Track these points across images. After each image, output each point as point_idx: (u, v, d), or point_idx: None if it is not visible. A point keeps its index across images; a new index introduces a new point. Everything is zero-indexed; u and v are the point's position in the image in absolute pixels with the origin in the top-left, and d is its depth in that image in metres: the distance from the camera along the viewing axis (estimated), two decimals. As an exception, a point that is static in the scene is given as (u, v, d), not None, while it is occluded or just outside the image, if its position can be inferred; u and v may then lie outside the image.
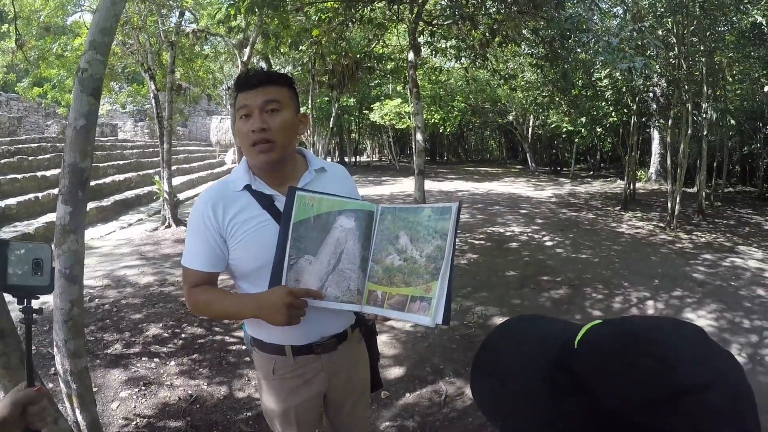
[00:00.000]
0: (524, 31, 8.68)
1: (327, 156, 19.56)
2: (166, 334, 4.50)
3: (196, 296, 1.55)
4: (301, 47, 9.70)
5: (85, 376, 2.33)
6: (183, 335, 4.49)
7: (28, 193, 9.56)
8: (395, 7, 8.23)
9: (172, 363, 3.97)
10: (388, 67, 15.05)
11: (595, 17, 7.77)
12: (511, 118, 24.62)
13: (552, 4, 6.78)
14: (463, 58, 9.61)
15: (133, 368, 3.87)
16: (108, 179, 12.67)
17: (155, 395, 3.49)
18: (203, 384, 3.64)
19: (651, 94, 13.68)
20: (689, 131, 10.64)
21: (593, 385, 0.52)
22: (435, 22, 8.85)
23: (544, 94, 17.21)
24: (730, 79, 13.54)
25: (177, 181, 12.94)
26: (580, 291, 5.99)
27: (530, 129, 26.06)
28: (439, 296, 1.30)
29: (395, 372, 3.88)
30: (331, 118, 16.14)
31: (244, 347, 4.07)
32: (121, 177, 13.36)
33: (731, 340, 4.62)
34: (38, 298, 1.16)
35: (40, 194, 9.53)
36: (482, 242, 8.58)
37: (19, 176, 10.00)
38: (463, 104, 24.48)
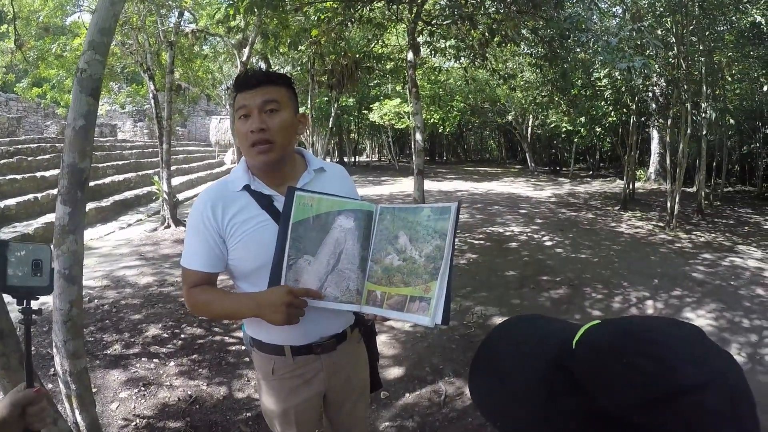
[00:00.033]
0: (523, 31, 8.67)
1: (326, 156, 19.56)
2: (165, 335, 4.50)
3: (196, 296, 1.55)
4: (300, 47, 9.69)
5: (85, 376, 2.33)
6: (182, 336, 4.49)
7: (27, 193, 9.55)
8: (394, 6, 8.23)
9: (172, 363, 3.97)
10: (388, 67, 15.03)
11: (595, 17, 7.77)
12: (510, 117, 24.60)
13: (551, 3, 6.77)
14: (462, 58, 9.61)
15: (133, 369, 3.87)
16: (107, 179, 12.66)
17: (155, 396, 3.49)
18: (203, 384, 3.64)
19: (650, 94, 13.70)
20: (688, 131, 10.64)
21: (591, 385, 0.52)
22: (434, 21, 8.85)
23: (543, 93, 17.22)
24: (730, 79, 13.55)
25: (176, 181, 12.94)
26: (580, 291, 5.99)
27: (529, 129, 26.05)
28: (438, 296, 1.30)
29: (395, 372, 3.88)
30: (331, 118, 16.13)
31: (243, 348, 4.07)
32: (121, 177, 13.36)
33: (731, 339, 4.62)
34: (38, 298, 1.16)
35: (39, 195, 9.53)
36: (482, 242, 8.59)
37: (18, 177, 9.99)
38: (462, 104, 24.47)
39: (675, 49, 10.22)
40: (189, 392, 3.53)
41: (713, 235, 9.62)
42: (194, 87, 16.80)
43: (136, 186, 13.62)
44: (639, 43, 8.05)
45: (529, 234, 9.37)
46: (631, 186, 14.10)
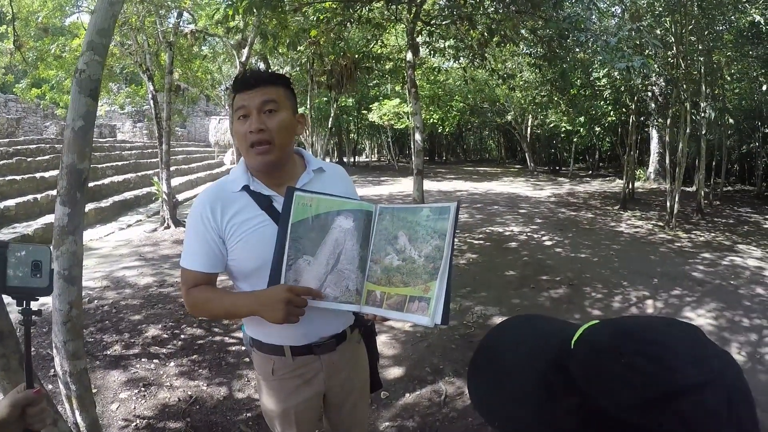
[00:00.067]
0: (522, 31, 8.68)
1: (326, 156, 19.55)
2: (165, 335, 4.50)
3: (195, 295, 1.55)
4: (299, 47, 9.71)
5: (85, 377, 2.33)
6: (182, 336, 4.49)
7: (26, 194, 9.55)
8: (393, 7, 8.23)
9: (172, 364, 3.97)
10: (387, 67, 15.01)
11: (594, 17, 7.78)
12: (509, 117, 24.59)
13: (550, 3, 6.78)
14: (461, 58, 9.62)
15: (133, 369, 3.87)
16: (107, 180, 12.66)
17: (155, 396, 3.49)
18: (203, 385, 3.64)
19: (649, 94, 13.72)
20: (688, 130, 10.65)
21: (589, 385, 0.52)
22: (433, 21, 8.85)
23: (542, 93, 17.22)
24: (729, 78, 13.56)
25: (176, 181, 12.93)
26: (580, 290, 6.00)
27: (529, 129, 26.05)
28: (437, 296, 1.30)
29: (395, 372, 3.88)
30: (330, 119, 16.14)
31: (243, 348, 4.06)
32: (120, 178, 13.36)
33: (731, 338, 4.62)
34: (37, 299, 1.16)
35: (38, 195, 9.53)
36: (481, 242, 8.59)
37: (17, 177, 9.99)
38: (461, 104, 24.47)
39: (674, 48, 10.23)
40: (189, 393, 3.53)
41: (713, 234, 9.62)
42: (193, 87, 16.82)
43: (136, 187, 13.61)
44: (638, 42, 8.05)
45: (528, 234, 9.37)
46: (630, 185, 14.10)
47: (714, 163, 15.17)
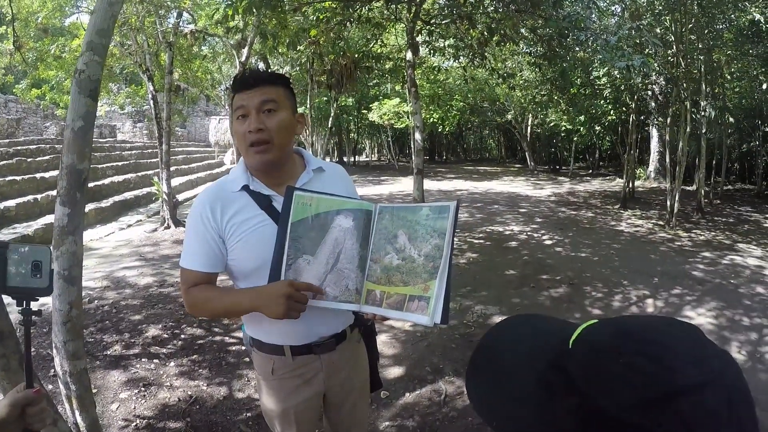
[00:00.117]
0: (522, 30, 8.68)
1: (326, 156, 19.54)
2: (165, 335, 4.50)
3: (195, 295, 1.54)
4: (299, 47, 9.71)
5: (85, 377, 2.33)
6: (182, 336, 4.49)
7: (26, 194, 9.55)
8: (393, 6, 8.23)
9: (172, 364, 3.97)
10: (387, 66, 14.99)
11: (593, 15, 7.78)
12: (509, 117, 24.60)
13: (550, 2, 6.77)
14: (461, 57, 9.62)
15: (133, 369, 3.87)
16: (107, 180, 12.66)
17: (155, 396, 3.49)
18: (203, 385, 3.64)
19: (649, 93, 13.71)
20: (688, 129, 10.65)
21: (587, 385, 0.51)
22: (433, 21, 8.85)
23: (542, 92, 17.22)
24: (729, 77, 13.56)
25: (176, 181, 12.94)
26: (580, 290, 5.99)
27: (529, 128, 26.06)
28: (437, 295, 1.29)
29: (395, 372, 3.88)
30: (330, 118, 16.14)
31: (243, 348, 4.06)
32: (120, 178, 13.36)
33: (731, 337, 4.62)
34: (37, 300, 1.16)
35: (38, 196, 9.53)
36: (481, 241, 8.59)
37: (17, 178, 9.99)
38: (461, 103, 24.46)
39: (674, 47, 10.23)
40: (189, 392, 3.53)
41: (713, 233, 9.62)
42: (193, 87, 16.81)
43: (136, 187, 13.61)
44: (638, 41, 8.05)
45: (528, 233, 9.37)
46: (630, 184, 14.10)
47: (714, 162, 15.17)
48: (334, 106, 15.99)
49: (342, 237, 1.47)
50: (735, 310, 5.34)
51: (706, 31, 10.34)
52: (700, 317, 5.14)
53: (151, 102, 9.95)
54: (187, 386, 3.62)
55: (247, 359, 3.92)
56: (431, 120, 23.88)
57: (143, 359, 4.04)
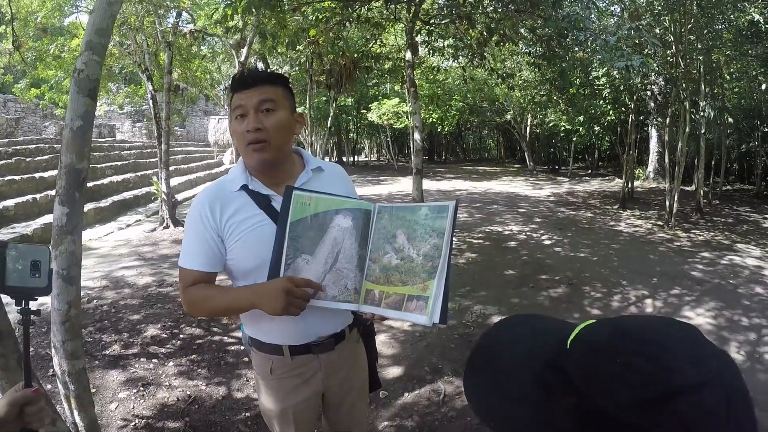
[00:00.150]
0: (522, 30, 8.68)
1: (325, 156, 19.53)
2: (164, 335, 4.50)
3: (193, 294, 1.53)
4: (298, 47, 9.71)
5: (83, 377, 2.33)
6: (181, 336, 4.49)
7: (25, 194, 9.55)
8: (392, 6, 8.23)
9: (171, 364, 3.96)
10: (386, 66, 15.00)
11: (593, 16, 7.78)
12: (509, 117, 24.60)
13: (549, 2, 6.78)
14: (460, 57, 9.62)
15: (132, 369, 3.87)
16: (106, 180, 12.66)
17: (154, 396, 3.48)
18: (202, 384, 3.64)
19: (649, 93, 13.71)
20: (687, 129, 10.65)
21: (585, 385, 0.51)
22: (432, 21, 8.85)
23: (541, 92, 17.23)
24: (728, 77, 13.56)
25: (175, 181, 12.93)
26: (579, 290, 6.00)
27: (528, 128, 26.06)
28: (436, 295, 1.29)
29: (394, 371, 3.88)
30: (329, 118, 16.15)
31: (242, 347, 4.06)
32: (119, 178, 13.36)
33: (730, 338, 4.62)
34: (36, 299, 1.16)
35: (37, 195, 9.52)
36: (480, 241, 8.59)
37: (17, 177, 9.99)
38: (460, 103, 24.47)
39: (673, 47, 10.23)
40: (188, 392, 3.53)
41: (712, 233, 9.63)
42: (192, 87, 16.81)
43: (135, 186, 13.61)
44: (637, 41, 8.05)
45: (527, 233, 9.37)
46: (629, 185, 14.11)
47: (713, 162, 15.18)
48: (334, 105, 16.00)
49: (341, 237, 1.47)
50: (734, 310, 5.34)
51: (705, 32, 10.34)
52: (699, 317, 5.14)
53: (150, 102, 9.94)
54: (185, 386, 3.62)
55: (246, 359, 3.92)
56: (430, 120, 23.87)
57: (142, 359, 4.04)
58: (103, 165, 13.77)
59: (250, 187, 1.55)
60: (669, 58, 10.69)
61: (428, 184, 16.46)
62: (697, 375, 0.48)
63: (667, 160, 12.79)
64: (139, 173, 14.49)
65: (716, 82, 12.46)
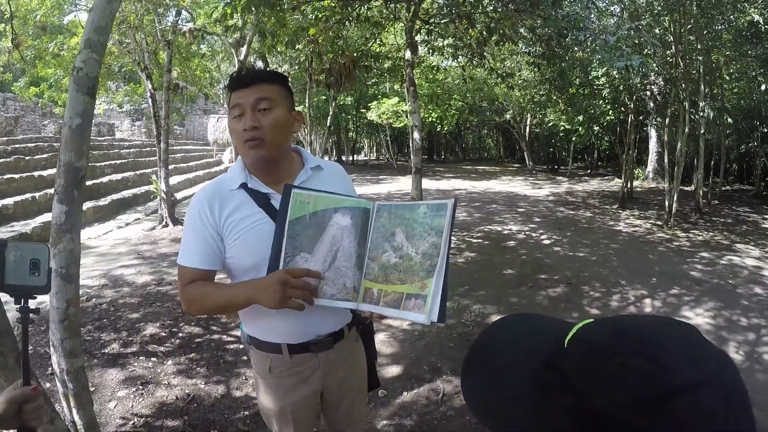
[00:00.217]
0: (521, 30, 8.68)
1: (324, 155, 19.51)
2: (163, 334, 4.50)
3: (192, 291, 1.53)
4: (297, 46, 9.69)
5: (82, 375, 2.33)
6: (180, 334, 4.49)
7: (25, 192, 9.54)
8: (392, 5, 8.22)
9: (170, 362, 3.96)
10: (386, 65, 14.98)
11: (592, 15, 7.77)
12: (508, 116, 24.59)
13: (549, 2, 6.78)
14: (460, 57, 9.61)
15: (131, 368, 3.87)
16: (105, 179, 12.65)
17: (152, 394, 3.48)
18: (200, 383, 3.64)
19: (648, 93, 13.71)
20: (686, 129, 10.65)
21: (583, 385, 0.51)
22: (432, 20, 8.85)
23: (541, 92, 17.23)
24: (728, 78, 13.55)
25: (174, 180, 12.93)
26: (578, 289, 6.00)
27: (527, 127, 26.06)
28: (434, 293, 1.29)
29: (393, 370, 3.88)
30: (329, 117, 16.12)
31: (241, 346, 4.07)
32: (119, 176, 13.34)
33: (729, 338, 4.62)
34: (35, 298, 1.16)
35: (37, 194, 9.52)
36: (480, 241, 8.59)
37: (16, 176, 9.98)
38: (460, 103, 24.45)
39: (673, 47, 10.23)
40: (187, 391, 3.53)
41: (711, 233, 9.63)
42: (192, 86, 16.78)
43: (134, 185, 13.60)
44: (637, 41, 8.05)
45: (527, 233, 9.38)
46: (629, 185, 14.12)
47: (712, 163, 15.19)
48: (333, 105, 15.98)
49: (340, 235, 1.47)
50: (733, 310, 5.35)
51: (705, 32, 10.34)
52: (698, 317, 5.14)
53: (150, 100, 9.93)
54: (184, 384, 3.62)
55: (245, 357, 3.92)
56: (430, 119, 23.85)
57: (141, 357, 4.04)
58: (102, 163, 13.75)
59: (249, 185, 1.55)
60: (668, 58, 10.68)
61: (427, 184, 16.47)
62: (695, 375, 0.48)
63: (666, 160, 12.78)
64: (138, 172, 14.48)
65: (716, 83, 12.46)
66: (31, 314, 1.15)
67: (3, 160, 10.61)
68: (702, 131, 11.47)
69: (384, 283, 1.40)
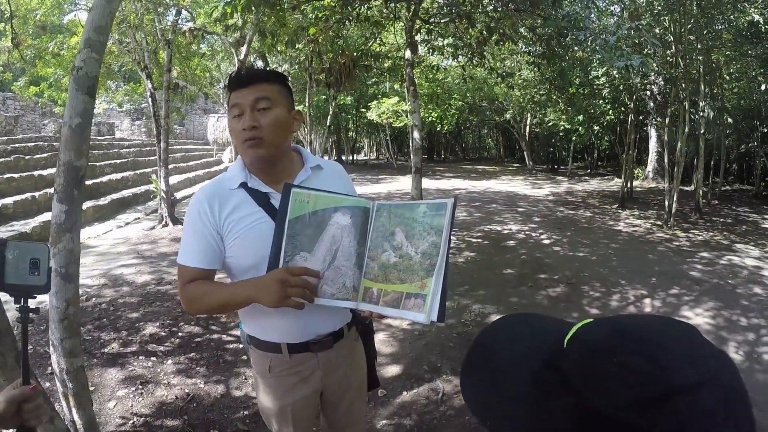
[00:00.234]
0: (521, 29, 8.68)
1: (324, 154, 19.49)
2: (163, 333, 4.50)
3: (191, 290, 1.53)
4: (297, 45, 9.69)
5: (81, 375, 2.33)
6: (180, 334, 4.49)
7: (24, 192, 9.54)
8: (392, 5, 8.22)
9: (169, 362, 3.96)
10: (386, 65, 14.96)
11: (592, 15, 7.79)
12: (508, 116, 24.59)
13: (549, 1, 6.78)
14: (460, 56, 9.61)
15: (130, 367, 3.86)
16: (105, 178, 12.64)
17: (152, 394, 3.48)
18: (200, 383, 3.64)
19: (648, 93, 13.71)
20: (686, 129, 10.65)
21: (582, 384, 0.51)
22: (432, 20, 8.85)
23: (541, 92, 17.22)
24: (728, 78, 13.56)
25: (174, 179, 12.93)
26: (578, 289, 6.00)
27: (527, 127, 26.05)
28: (434, 293, 1.29)
29: (392, 370, 3.88)
30: (329, 117, 16.11)
31: (241, 346, 4.07)
32: (119, 176, 13.34)
33: (728, 338, 4.62)
34: (35, 297, 1.16)
35: (36, 193, 9.52)
36: (479, 240, 8.59)
37: (15, 175, 9.98)
38: (460, 102, 24.42)
39: (673, 47, 10.23)
40: (186, 390, 3.53)
41: (711, 233, 9.63)
42: (192, 85, 16.77)
43: (134, 184, 13.60)
44: (637, 41, 8.05)
45: (527, 232, 9.37)
46: (629, 184, 14.12)
47: (712, 163, 15.19)
48: (333, 104, 15.96)
49: (339, 234, 1.47)
50: (732, 310, 5.35)
51: (705, 32, 10.34)
52: (698, 317, 5.15)
53: (150, 100, 9.93)
54: (184, 384, 3.62)
55: (245, 357, 3.92)
56: (430, 119, 23.82)
57: (140, 357, 4.04)
58: (102, 163, 13.74)
59: (249, 184, 1.56)
60: (669, 58, 10.68)
61: (427, 183, 16.47)
62: (695, 375, 0.48)
63: (666, 160, 12.78)
64: (138, 171, 14.49)
65: (716, 83, 12.45)
66: (30, 314, 1.15)
67: (3, 159, 10.61)
68: (702, 131, 11.47)
69: (384, 282, 1.40)
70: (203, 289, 1.53)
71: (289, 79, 1.65)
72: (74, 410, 2.32)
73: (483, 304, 5.38)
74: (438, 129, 27.61)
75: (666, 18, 10.27)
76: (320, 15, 8.42)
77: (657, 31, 10.54)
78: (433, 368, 3.91)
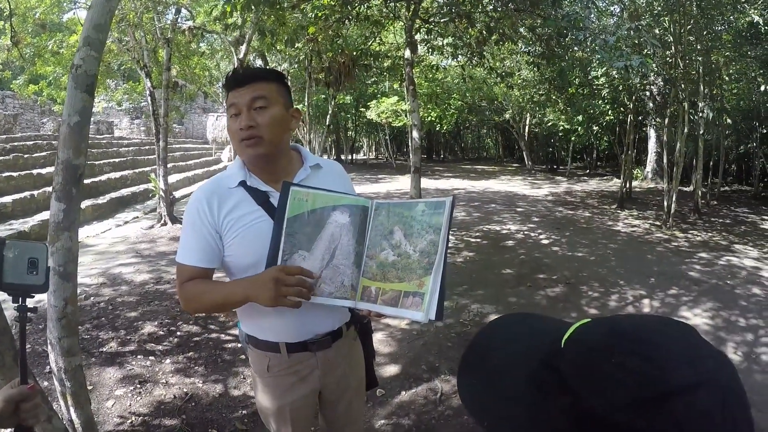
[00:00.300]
0: (521, 29, 8.69)
1: (323, 153, 19.49)
2: (161, 332, 4.50)
3: (189, 289, 1.53)
4: (297, 44, 9.69)
5: (80, 374, 2.32)
6: (178, 333, 4.49)
7: (23, 191, 9.53)
8: (392, 4, 8.23)
9: (168, 361, 3.96)
10: (385, 64, 14.95)
11: (592, 15, 7.77)
12: (507, 116, 24.59)
13: (549, 1, 6.78)
14: (459, 56, 9.62)
15: (129, 366, 3.86)
16: (104, 177, 12.64)
17: (150, 393, 3.48)
18: (198, 382, 3.64)
19: (648, 93, 13.70)
20: (686, 130, 10.65)
21: (579, 384, 0.51)
22: (432, 19, 8.85)
23: (540, 92, 17.20)
24: (727, 78, 13.56)
25: (173, 178, 12.92)
26: (576, 289, 6.00)
27: (527, 127, 26.04)
28: (432, 291, 1.29)
29: (391, 370, 3.88)
30: (328, 116, 16.11)
31: (239, 345, 4.07)
32: (117, 175, 13.34)
33: (727, 338, 4.63)
34: (33, 296, 1.16)
35: (35, 192, 9.51)
36: (478, 240, 8.59)
37: (14, 174, 9.97)
38: (459, 102, 24.42)
39: (672, 48, 10.23)
40: (185, 390, 3.53)
41: (710, 234, 9.64)
42: (191, 84, 16.75)
43: (133, 183, 13.60)
44: (636, 41, 8.05)
45: (525, 232, 9.38)
46: (628, 185, 14.11)
47: (711, 163, 15.19)
48: (332, 103, 15.96)
49: (338, 233, 1.47)
50: (731, 310, 5.35)
51: (704, 33, 10.34)
52: (696, 318, 5.15)
53: (149, 98, 9.93)
54: (182, 383, 3.62)
55: (243, 356, 3.92)
56: (429, 118, 23.81)
57: (139, 356, 4.03)
58: (101, 162, 13.74)
59: (248, 183, 1.55)
60: (668, 58, 10.68)
61: (426, 183, 16.46)
62: (693, 375, 0.48)
63: (665, 160, 12.77)
64: (137, 170, 14.48)
65: (715, 83, 12.45)
66: (29, 313, 1.15)
67: (1, 158, 10.61)
68: (701, 132, 11.46)
69: (382, 281, 1.40)
70: (201, 288, 1.53)
71: (289, 78, 1.65)
72: (72, 409, 2.32)
73: (481, 304, 5.38)
74: (437, 129, 27.61)
75: (666, 18, 10.27)
76: (320, 14, 8.42)
77: (657, 31, 10.54)
78: (431, 368, 3.91)
